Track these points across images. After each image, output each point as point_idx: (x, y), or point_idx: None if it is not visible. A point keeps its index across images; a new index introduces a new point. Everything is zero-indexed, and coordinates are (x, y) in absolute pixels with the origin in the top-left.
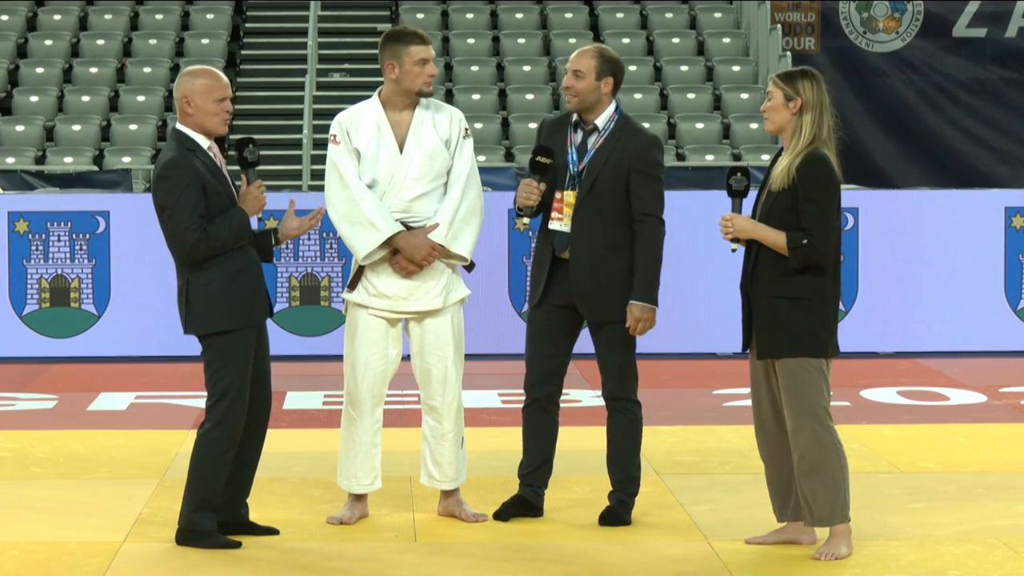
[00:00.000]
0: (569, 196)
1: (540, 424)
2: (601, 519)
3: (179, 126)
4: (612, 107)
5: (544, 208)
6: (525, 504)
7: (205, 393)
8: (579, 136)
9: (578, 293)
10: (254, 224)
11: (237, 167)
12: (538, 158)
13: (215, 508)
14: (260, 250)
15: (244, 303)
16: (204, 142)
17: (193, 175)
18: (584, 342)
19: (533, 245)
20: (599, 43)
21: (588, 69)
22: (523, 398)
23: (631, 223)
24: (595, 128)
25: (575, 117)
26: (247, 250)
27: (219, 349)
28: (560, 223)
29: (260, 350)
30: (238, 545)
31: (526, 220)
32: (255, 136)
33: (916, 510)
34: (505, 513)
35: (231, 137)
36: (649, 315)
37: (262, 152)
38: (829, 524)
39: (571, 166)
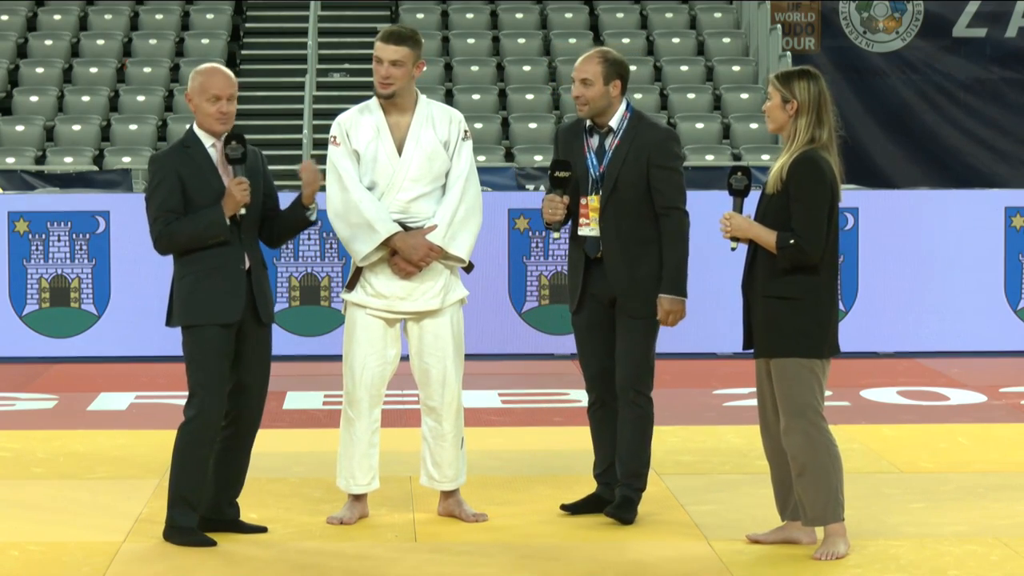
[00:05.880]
0: (593, 201)
1: (605, 421)
2: (605, 511)
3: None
4: (624, 106)
5: (572, 216)
6: (601, 503)
7: None
8: (595, 140)
9: (618, 291)
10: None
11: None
12: (556, 173)
13: (194, 504)
14: (295, 221)
15: (215, 300)
16: (208, 140)
17: (169, 170)
18: None
19: (533, 245)
20: (600, 46)
21: (595, 75)
22: (586, 400)
23: (657, 217)
24: (610, 130)
25: (588, 122)
26: (229, 248)
27: (191, 343)
28: (588, 228)
29: (253, 352)
30: (212, 543)
31: (556, 234)
32: (249, 135)
33: (916, 510)
34: (576, 508)
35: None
36: (679, 307)
37: (265, 153)
38: (822, 523)
39: (592, 171)
